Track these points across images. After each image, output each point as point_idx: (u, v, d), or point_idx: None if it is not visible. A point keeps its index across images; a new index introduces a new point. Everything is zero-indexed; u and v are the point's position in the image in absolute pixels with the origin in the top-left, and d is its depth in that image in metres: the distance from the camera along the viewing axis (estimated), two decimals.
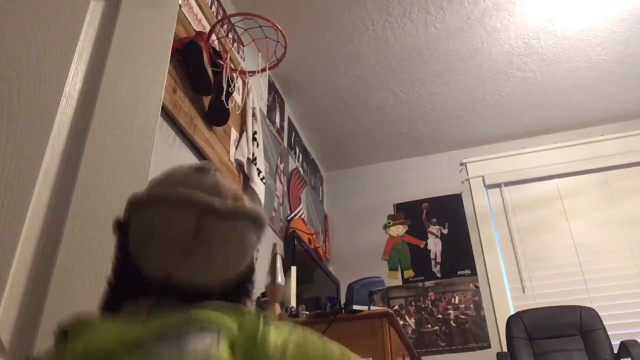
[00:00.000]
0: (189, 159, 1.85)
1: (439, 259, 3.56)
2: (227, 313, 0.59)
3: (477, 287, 3.39)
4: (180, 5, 1.86)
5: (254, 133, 2.32)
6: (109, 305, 0.66)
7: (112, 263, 0.69)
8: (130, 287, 0.65)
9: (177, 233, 0.62)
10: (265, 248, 2.07)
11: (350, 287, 1.91)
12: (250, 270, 0.70)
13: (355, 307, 1.82)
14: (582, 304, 2.82)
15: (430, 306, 3.41)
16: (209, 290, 0.63)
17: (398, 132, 3.69)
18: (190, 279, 0.62)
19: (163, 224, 0.62)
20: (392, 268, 3.61)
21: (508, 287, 3.36)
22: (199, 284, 0.62)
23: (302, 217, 3.16)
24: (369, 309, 1.82)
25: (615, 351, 2.55)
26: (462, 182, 3.79)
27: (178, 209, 0.62)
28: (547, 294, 3.28)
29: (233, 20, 2.42)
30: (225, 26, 2.33)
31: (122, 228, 0.69)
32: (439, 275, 3.50)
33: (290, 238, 2.54)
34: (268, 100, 2.88)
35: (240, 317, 0.60)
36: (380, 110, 3.44)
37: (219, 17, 2.30)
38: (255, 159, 2.26)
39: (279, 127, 3.03)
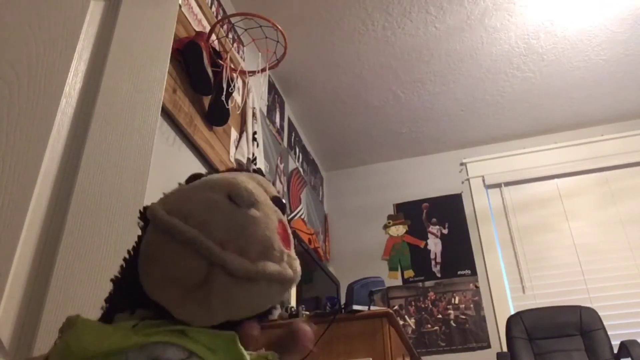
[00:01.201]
0: (189, 159, 1.85)
1: (439, 259, 3.56)
2: (214, 343, 0.56)
3: (477, 287, 3.39)
4: (180, 5, 1.86)
5: (254, 133, 2.32)
6: (107, 313, 0.62)
7: (123, 260, 0.64)
8: (129, 298, 0.60)
9: (183, 276, 0.56)
10: None
11: (350, 287, 1.91)
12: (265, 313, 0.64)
13: (355, 307, 1.82)
14: (582, 304, 2.82)
15: (430, 306, 3.41)
16: None
17: (398, 132, 3.69)
18: (186, 320, 0.57)
19: (171, 261, 0.56)
20: (392, 268, 3.61)
21: (508, 287, 3.36)
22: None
23: (302, 217, 3.16)
24: (369, 309, 1.82)
25: (615, 351, 2.55)
26: (462, 182, 3.79)
27: (189, 255, 0.55)
28: (547, 294, 3.28)
29: (233, 20, 2.42)
30: (225, 26, 2.33)
31: (141, 229, 0.62)
32: (439, 275, 3.50)
33: None
34: (268, 100, 2.88)
35: (226, 348, 0.56)
36: (380, 110, 3.44)
37: (219, 17, 2.30)
38: (255, 159, 2.26)
39: (279, 127, 3.03)
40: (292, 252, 0.62)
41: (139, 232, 0.63)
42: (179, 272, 0.55)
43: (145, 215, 0.61)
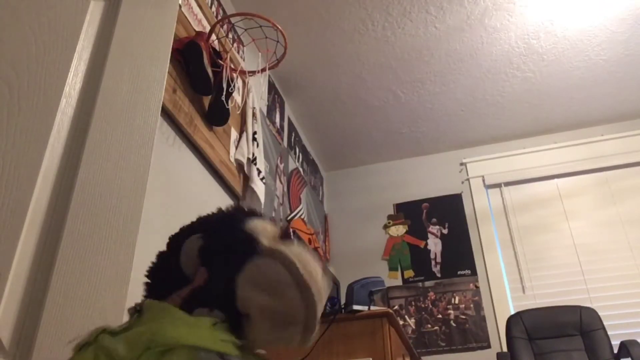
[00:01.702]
0: (189, 159, 1.85)
1: (439, 259, 3.56)
2: None
3: (477, 287, 3.39)
4: (180, 5, 1.86)
5: (254, 133, 2.32)
6: (186, 305, 0.68)
7: (204, 269, 0.71)
8: (216, 298, 0.67)
9: (284, 316, 0.65)
10: None
11: (350, 287, 1.91)
12: None
13: (355, 307, 1.82)
14: (582, 304, 2.82)
15: (430, 306, 3.41)
16: None
17: (398, 132, 3.69)
18: (253, 342, 0.65)
19: (287, 301, 0.65)
20: (392, 268, 3.61)
21: (508, 287, 3.36)
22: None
23: (302, 217, 3.16)
24: (369, 309, 1.82)
25: (615, 351, 2.55)
26: (462, 182, 3.79)
27: (300, 305, 0.66)
28: (547, 294, 3.28)
29: (233, 20, 2.42)
30: (225, 26, 2.33)
31: (241, 254, 0.70)
32: (439, 275, 3.50)
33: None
34: (268, 100, 2.88)
35: None
36: (380, 110, 3.44)
37: (219, 17, 2.30)
38: (255, 159, 2.26)
39: (279, 127, 3.03)
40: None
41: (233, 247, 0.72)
42: (284, 311, 0.65)
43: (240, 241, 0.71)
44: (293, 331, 0.66)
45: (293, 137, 3.34)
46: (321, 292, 0.68)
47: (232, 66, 2.15)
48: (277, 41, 2.24)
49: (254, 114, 2.36)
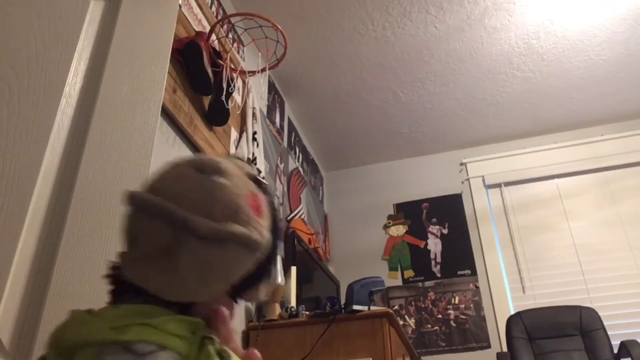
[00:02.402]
0: None
1: (439, 259, 3.56)
2: (181, 329, 0.54)
3: (477, 287, 3.39)
4: (180, 5, 1.86)
5: (254, 133, 2.32)
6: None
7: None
8: (120, 289, 0.61)
9: (152, 245, 0.57)
10: None
11: (350, 287, 1.91)
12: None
13: (355, 307, 1.82)
14: (582, 304, 2.82)
15: (430, 306, 3.41)
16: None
17: (398, 132, 3.69)
18: (160, 294, 0.57)
19: (140, 231, 0.58)
20: (392, 268, 3.61)
21: (508, 287, 3.36)
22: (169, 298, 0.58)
23: (302, 217, 3.16)
24: (369, 309, 1.82)
25: (615, 351, 2.55)
26: (462, 182, 3.79)
27: (156, 221, 0.57)
28: (547, 294, 3.28)
29: (233, 20, 2.42)
30: (225, 26, 2.33)
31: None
32: (439, 275, 3.50)
33: (290, 238, 2.54)
34: (268, 100, 2.88)
35: (193, 333, 0.55)
36: (380, 110, 3.44)
37: (219, 17, 2.30)
38: (255, 159, 2.26)
39: (279, 127, 3.03)
40: (262, 221, 0.63)
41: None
42: (147, 242, 0.57)
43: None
44: (178, 254, 0.56)
45: (293, 137, 3.34)
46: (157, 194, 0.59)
47: (232, 66, 2.15)
48: (277, 41, 2.24)
49: (254, 114, 2.36)
